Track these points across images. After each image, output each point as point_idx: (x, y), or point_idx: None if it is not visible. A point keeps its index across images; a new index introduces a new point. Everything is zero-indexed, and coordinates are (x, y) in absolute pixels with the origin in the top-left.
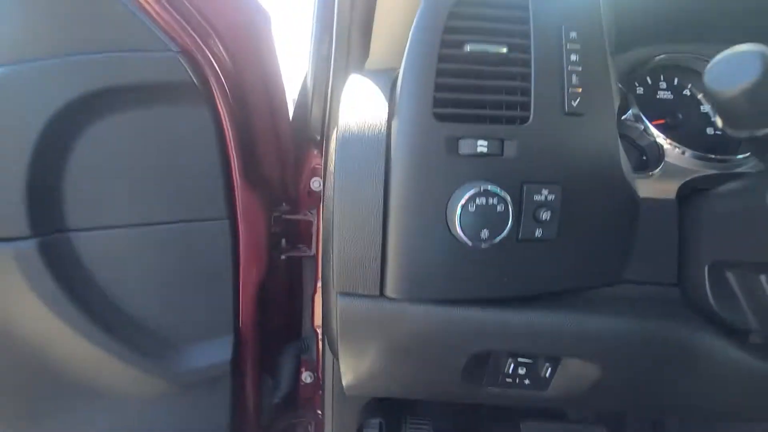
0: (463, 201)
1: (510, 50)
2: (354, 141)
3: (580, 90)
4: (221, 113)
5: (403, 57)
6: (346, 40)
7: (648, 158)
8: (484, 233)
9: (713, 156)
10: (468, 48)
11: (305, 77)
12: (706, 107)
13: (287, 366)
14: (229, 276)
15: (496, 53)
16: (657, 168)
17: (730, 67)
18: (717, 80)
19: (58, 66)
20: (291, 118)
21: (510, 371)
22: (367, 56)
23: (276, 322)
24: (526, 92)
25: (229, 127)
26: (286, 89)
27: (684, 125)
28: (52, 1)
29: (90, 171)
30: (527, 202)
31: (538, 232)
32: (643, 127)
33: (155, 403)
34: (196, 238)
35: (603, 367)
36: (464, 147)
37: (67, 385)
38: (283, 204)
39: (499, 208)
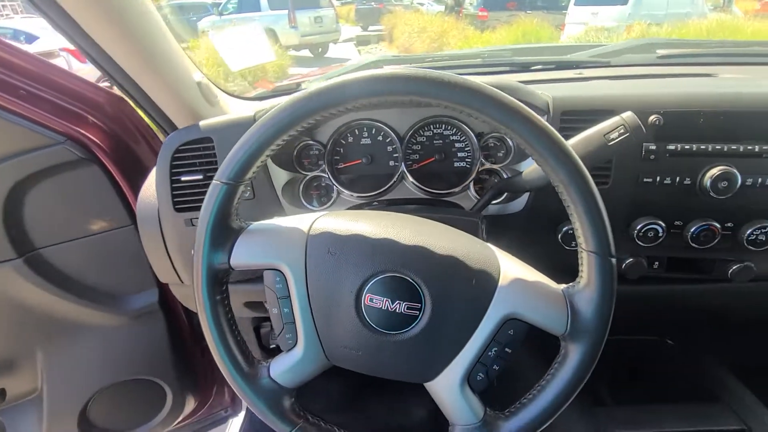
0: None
1: (204, 176)
2: (147, 215)
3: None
4: (109, 165)
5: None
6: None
7: (334, 194)
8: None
9: (365, 194)
10: (183, 177)
11: None
12: (390, 147)
13: None
14: (142, 253)
15: (198, 179)
16: (332, 201)
17: None
18: None
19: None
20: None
21: None
22: None
23: None
24: None
25: (117, 171)
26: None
27: (374, 162)
28: None
29: (41, 214)
30: None
31: None
32: (327, 175)
33: (119, 331)
34: (121, 238)
35: None
36: (194, 222)
37: (65, 328)
38: None
39: None
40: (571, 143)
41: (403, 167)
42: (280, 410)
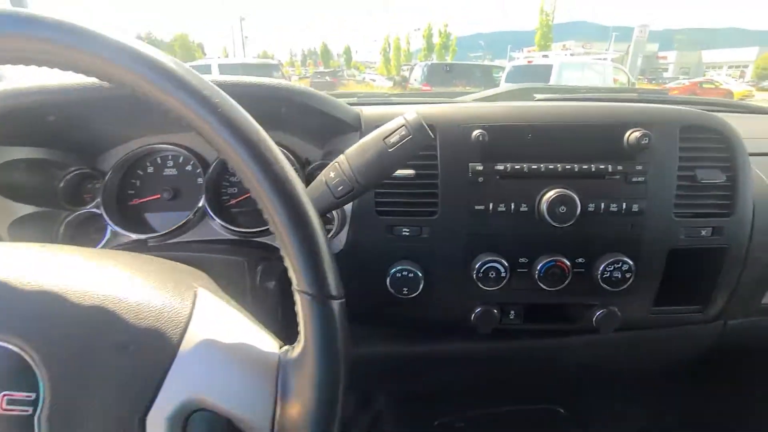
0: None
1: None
2: None
3: None
4: None
5: None
6: None
7: (108, 233)
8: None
9: (152, 234)
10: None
11: None
12: (199, 180)
13: None
14: None
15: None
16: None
17: None
18: None
19: None
20: None
21: None
22: None
23: None
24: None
25: None
26: None
27: (180, 197)
28: None
29: None
30: None
31: None
32: (100, 211)
33: None
34: None
35: None
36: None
37: None
38: None
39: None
40: (348, 152)
41: (203, 202)
42: None
